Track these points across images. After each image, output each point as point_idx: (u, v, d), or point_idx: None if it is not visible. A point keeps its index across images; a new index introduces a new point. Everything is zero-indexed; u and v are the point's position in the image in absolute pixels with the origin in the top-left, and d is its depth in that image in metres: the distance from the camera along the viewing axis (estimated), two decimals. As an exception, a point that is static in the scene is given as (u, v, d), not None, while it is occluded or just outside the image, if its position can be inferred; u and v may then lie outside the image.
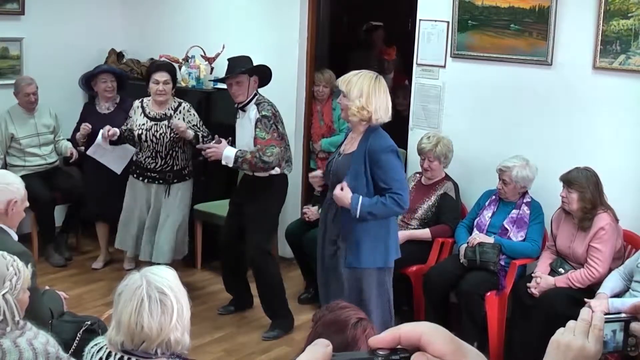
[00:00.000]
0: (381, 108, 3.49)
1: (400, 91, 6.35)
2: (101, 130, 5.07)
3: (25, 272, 2.42)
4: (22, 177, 5.44)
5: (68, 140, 5.77)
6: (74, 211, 5.82)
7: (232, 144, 4.49)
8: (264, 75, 4.50)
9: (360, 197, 3.42)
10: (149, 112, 4.87)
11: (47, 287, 3.47)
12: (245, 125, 4.42)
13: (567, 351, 1.17)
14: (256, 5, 5.79)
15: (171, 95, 4.89)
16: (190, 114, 4.88)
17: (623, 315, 1.24)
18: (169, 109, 4.85)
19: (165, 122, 4.81)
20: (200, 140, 4.70)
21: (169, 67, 4.94)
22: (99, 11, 6.44)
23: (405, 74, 6.33)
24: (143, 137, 4.82)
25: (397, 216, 3.84)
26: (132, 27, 6.56)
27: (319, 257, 3.84)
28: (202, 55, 5.73)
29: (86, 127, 5.28)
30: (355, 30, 7.47)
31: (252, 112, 4.39)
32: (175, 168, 4.89)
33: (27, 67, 5.97)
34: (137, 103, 4.96)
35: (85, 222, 5.91)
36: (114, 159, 5.34)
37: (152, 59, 6.27)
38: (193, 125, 4.81)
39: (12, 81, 5.70)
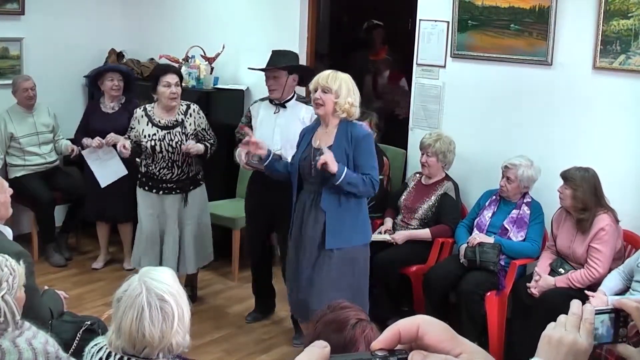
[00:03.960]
0: (359, 105, 3.78)
1: (394, 91, 6.34)
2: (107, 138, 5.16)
3: (19, 270, 2.42)
4: (22, 176, 5.56)
5: (68, 140, 5.77)
6: (74, 211, 5.83)
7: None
8: (304, 75, 4.43)
9: (345, 167, 3.61)
10: (159, 121, 4.58)
11: (46, 287, 3.47)
12: (290, 122, 4.34)
13: (560, 346, 1.17)
14: (256, 5, 5.80)
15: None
16: (200, 117, 4.66)
17: (612, 306, 1.24)
18: (178, 114, 4.61)
19: (178, 128, 4.57)
20: (209, 150, 4.59)
21: (176, 69, 4.75)
22: (99, 11, 6.44)
23: (402, 72, 6.33)
24: (157, 148, 4.53)
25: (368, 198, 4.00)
26: (132, 27, 6.56)
27: (292, 249, 3.89)
28: (202, 55, 5.73)
29: (98, 141, 5.27)
30: (355, 30, 7.47)
31: (300, 110, 4.34)
32: (190, 174, 4.67)
33: (27, 67, 5.98)
34: (139, 112, 4.64)
35: (85, 222, 5.91)
36: (104, 170, 5.33)
37: (152, 59, 6.28)
38: (202, 130, 4.63)
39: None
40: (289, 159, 4.21)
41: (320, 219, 3.73)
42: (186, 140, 4.56)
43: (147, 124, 4.59)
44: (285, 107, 4.39)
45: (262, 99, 4.55)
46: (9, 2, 5.87)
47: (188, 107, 4.66)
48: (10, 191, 3.22)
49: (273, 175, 4.02)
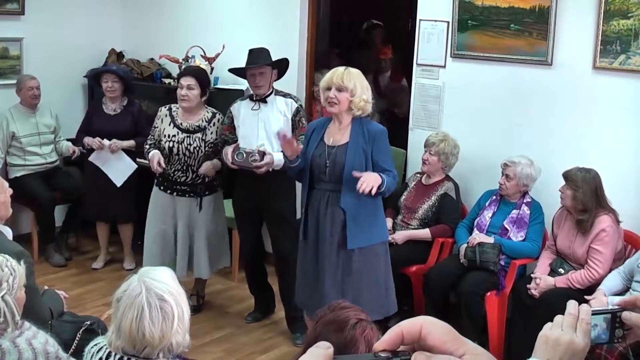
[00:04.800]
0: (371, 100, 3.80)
1: (398, 91, 6.36)
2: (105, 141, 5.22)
3: (20, 270, 2.42)
4: (22, 176, 5.56)
5: (69, 140, 5.78)
6: (74, 211, 5.83)
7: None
8: (282, 68, 4.52)
9: (385, 176, 3.63)
10: (180, 123, 4.57)
11: (46, 287, 3.47)
12: (272, 116, 4.37)
13: (556, 346, 1.17)
14: (256, 5, 5.79)
15: (201, 103, 4.58)
16: (222, 128, 4.59)
17: (610, 307, 1.24)
18: (202, 120, 4.57)
19: (199, 134, 4.54)
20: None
21: (195, 72, 4.64)
22: (99, 11, 6.44)
23: (403, 73, 6.34)
24: (174, 150, 4.53)
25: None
26: (132, 27, 6.56)
27: (307, 250, 3.87)
28: (202, 55, 5.73)
29: (98, 142, 5.30)
30: (355, 30, 7.47)
31: (280, 103, 4.38)
32: (206, 180, 4.61)
33: (27, 67, 5.98)
34: (164, 111, 4.64)
35: (85, 222, 5.91)
36: (115, 169, 5.35)
37: (152, 59, 6.28)
38: (223, 142, 4.56)
39: (13, 81, 5.72)
40: (273, 152, 4.25)
41: (338, 218, 3.71)
42: (205, 148, 4.55)
43: (170, 124, 4.60)
44: (265, 102, 4.42)
45: (242, 99, 4.58)
46: (9, 2, 5.87)
47: (214, 115, 4.63)
48: (10, 191, 3.22)
49: (293, 177, 4.05)
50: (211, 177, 4.64)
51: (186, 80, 4.51)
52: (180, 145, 4.54)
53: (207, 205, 4.67)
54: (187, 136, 4.55)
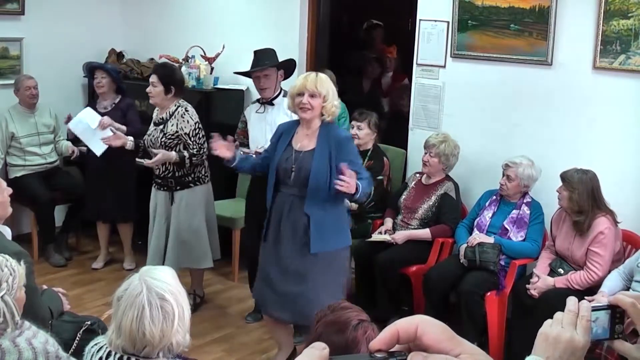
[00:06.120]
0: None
1: (401, 90, 6.37)
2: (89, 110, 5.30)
3: (19, 270, 2.41)
4: (22, 176, 5.56)
5: (68, 140, 5.79)
6: (74, 211, 5.83)
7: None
8: (289, 68, 4.54)
9: (359, 181, 3.59)
10: (154, 117, 4.75)
11: (44, 287, 3.46)
12: (278, 118, 4.36)
13: (556, 343, 1.17)
14: (256, 5, 5.80)
15: (168, 98, 4.57)
16: (183, 121, 4.55)
17: (608, 303, 1.23)
18: (167, 114, 4.62)
19: (161, 126, 4.62)
20: (187, 160, 4.54)
21: (158, 69, 4.70)
22: (98, 11, 6.44)
23: (404, 72, 6.35)
24: (146, 142, 4.71)
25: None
26: (132, 27, 6.56)
27: (268, 252, 3.86)
28: (202, 55, 5.73)
29: (68, 117, 5.42)
30: (355, 30, 7.48)
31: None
32: (177, 175, 4.63)
33: (27, 67, 5.98)
34: (155, 110, 4.80)
35: (85, 222, 5.91)
36: (94, 139, 5.23)
37: (152, 59, 6.28)
38: (185, 134, 4.54)
39: (12, 81, 5.71)
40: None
41: (301, 222, 3.71)
42: (162, 139, 4.59)
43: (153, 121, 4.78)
44: (273, 104, 4.45)
45: (254, 102, 4.63)
46: (9, 2, 5.87)
47: (176, 109, 4.63)
48: (10, 191, 3.22)
49: (240, 172, 4.14)
50: (182, 171, 4.63)
51: (151, 78, 4.63)
52: (148, 138, 4.71)
53: (179, 200, 4.67)
54: (154, 129, 4.69)
